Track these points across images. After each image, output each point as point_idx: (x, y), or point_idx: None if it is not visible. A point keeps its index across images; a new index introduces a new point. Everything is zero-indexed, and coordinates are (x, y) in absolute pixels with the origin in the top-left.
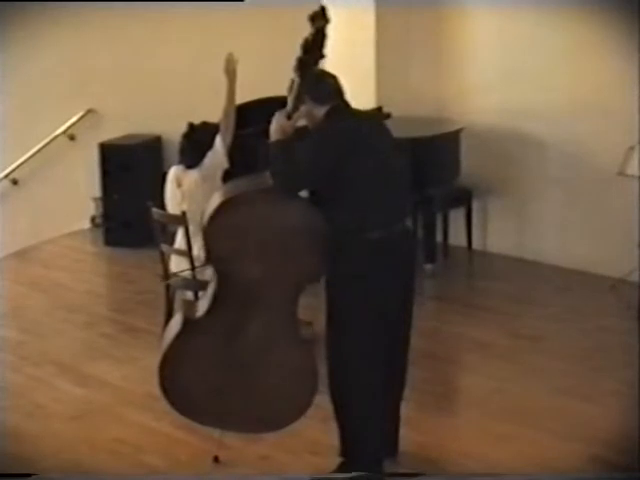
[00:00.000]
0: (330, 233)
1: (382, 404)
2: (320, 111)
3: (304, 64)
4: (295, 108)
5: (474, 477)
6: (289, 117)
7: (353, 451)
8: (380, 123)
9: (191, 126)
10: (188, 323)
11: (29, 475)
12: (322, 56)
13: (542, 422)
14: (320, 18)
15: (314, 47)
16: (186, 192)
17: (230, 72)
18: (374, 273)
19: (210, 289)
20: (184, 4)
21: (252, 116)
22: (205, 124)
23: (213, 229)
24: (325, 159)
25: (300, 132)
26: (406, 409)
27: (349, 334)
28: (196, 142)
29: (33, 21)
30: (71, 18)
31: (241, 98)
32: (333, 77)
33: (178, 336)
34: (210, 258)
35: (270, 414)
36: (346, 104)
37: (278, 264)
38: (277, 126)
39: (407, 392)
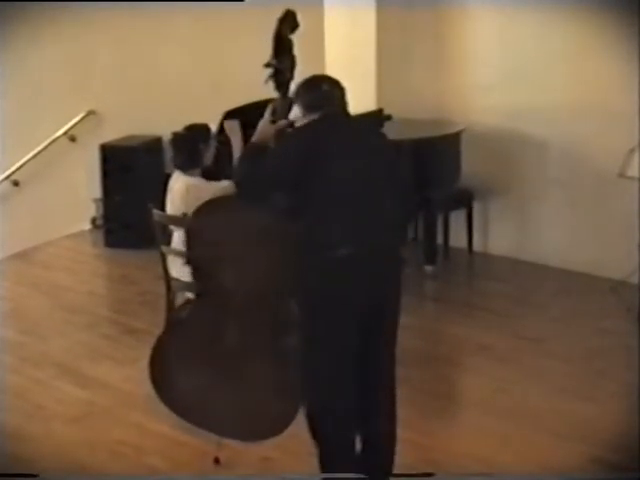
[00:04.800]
0: (294, 248)
1: (353, 428)
2: (310, 118)
3: (280, 82)
4: (280, 116)
5: (480, 477)
6: (273, 121)
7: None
8: (369, 132)
9: (175, 134)
10: (171, 323)
11: (30, 476)
12: (294, 62)
13: (543, 423)
14: (290, 21)
15: (284, 52)
16: (176, 195)
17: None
18: (340, 293)
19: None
20: (184, 4)
21: (248, 118)
22: (190, 127)
23: (191, 231)
24: (284, 168)
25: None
26: (406, 411)
27: (316, 353)
28: (182, 146)
29: (33, 21)
30: (72, 19)
31: (242, 99)
32: (328, 82)
33: (162, 335)
34: (189, 259)
35: (252, 423)
36: (342, 110)
37: (251, 271)
38: (258, 130)
39: (407, 394)
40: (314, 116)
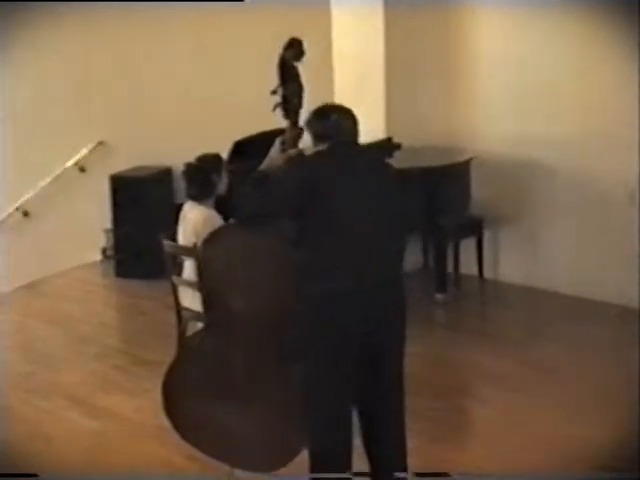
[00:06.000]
0: (292, 278)
1: (349, 461)
2: (319, 148)
3: (288, 109)
4: (290, 144)
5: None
6: (283, 150)
7: None
8: (375, 163)
9: (188, 165)
10: (182, 352)
11: (30, 476)
12: (301, 89)
13: (557, 452)
14: (295, 49)
15: (290, 80)
16: (188, 225)
17: None
18: (339, 324)
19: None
20: (186, 7)
21: (257, 148)
22: (202, 158)
23: (200, 259)
24: (284, 195)
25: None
26: (416, 440)
27: (315, 384)
28: (195, 177)
29: (43, 52)
30: (81, 49)
31: (252, 128)
32: (338, 112)
33: (173, 364)
34: (200, 287)
35: (263, 453)
36: (351, 141)
37: (260, 299)
38: (267, 158)
39: (417, 422)
40: (323, 146)
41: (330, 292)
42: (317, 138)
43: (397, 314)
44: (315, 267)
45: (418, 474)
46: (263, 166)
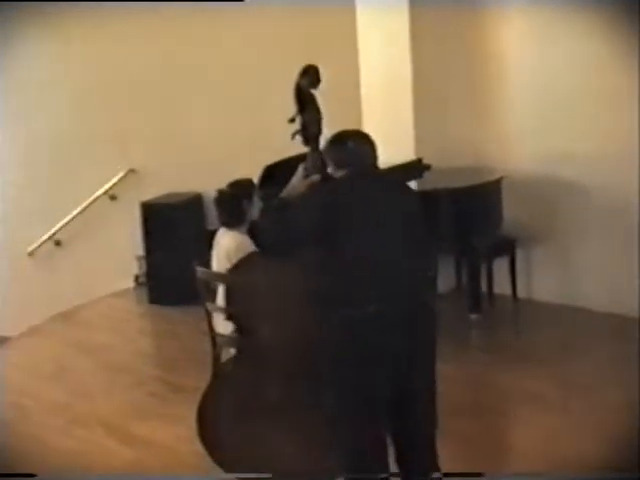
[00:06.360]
0: (323, 304)
1: None
2: (339, 174)
3: (307, 136)
4: (312, 171)
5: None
6: (306, 176)
7: None
8: (395, 187)
9: (220, 192)
10: (216, 379)
11: (30, 476)
12: (319, 115)
13: (597, 472)
14: (311, 76)
15: (307, 107)
16: (221, 251)
17: None
18: (367, 351)
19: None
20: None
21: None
22: (234, 184)
23: (229, 286)
24: (303, 223)
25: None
26: (453, 463)
27: (345, 410)
28: (227, 204)
29: (74, 84)
30: (111, 79)
31: (282, 153)
32: (355, 138)
33: (207, 391)
34: (229, 315)
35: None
36: (369, 166)
37: (289, 326)
38: (289, 185)
39: (454, 446)
40: (341, 173)
41: (354, 318)
42: (335, 165)
43: (426, 337)
44: (339, 294)
45: (448, 474)
46: (284, 193)
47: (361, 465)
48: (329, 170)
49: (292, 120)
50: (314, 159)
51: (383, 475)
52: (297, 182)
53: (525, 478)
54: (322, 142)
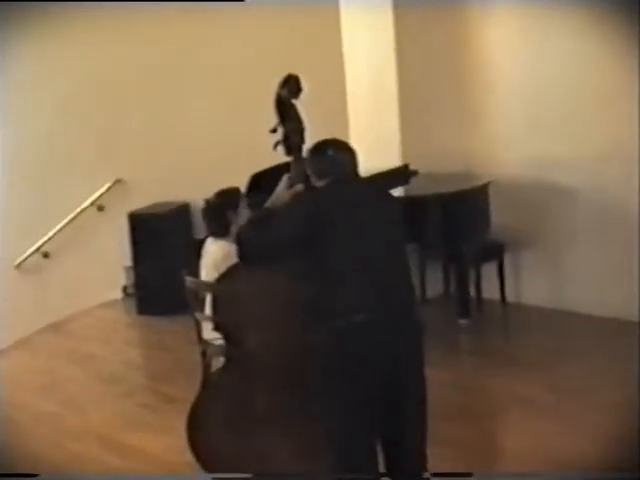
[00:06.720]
0: (309, 313)
1: None
2: (321, 184)
3: (290, 146)
4: (296, 181)
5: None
6: (291, 186)
7: None
8: (376, 195)
9: (206, 202)
10: (205, 388)
11: (30, 476)
12: (301, 125)
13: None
14: (291, 85)
15: (288, 117)
16: (209, 261)
17: None
18: (356, 360)
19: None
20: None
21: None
22: (220, 193)
23: (216, 295)
24: (285, 233)
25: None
26: (443, 466)
27: (335, 418)
28: (213, 214)
29: (59, 92)
30: (90, 91)
31: (268, 162)
32: (334, 147)
33: (197, 400)
34: (217, 324)
35: None
36: (349, 174)
37: (276, 335)
38: (274, 195)
39: (446, 450)
40: (322, 182)
41: (340, 328)
42: (316, 175)
43: (414, 340)
44: (324, 304)
45: (438, 474)
46: (268, 203)
47: (351, 472)
48: (311, 180)
49: (274, 130)
50: (298, 169)
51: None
52: (281, 192)
53: (513, 478)
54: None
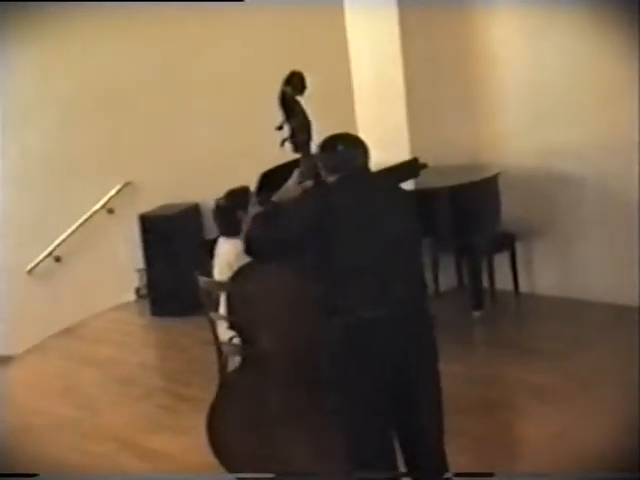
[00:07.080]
0: (320, 310)
1: None
2: (331, 179)
3: (296, 143)
4: (305, 177)
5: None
6: (300, 182)
7: None
8: (387, 190)
9: (216, 203)
10: (223, 387)
11: (30, 475)
12: (307, 122)
13: (606, 465)
14: (296, 82)
15: (293, 114)
16: (223, 260)
17: None
18: (365, 357)
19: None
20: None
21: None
22: (230, 194)
23: (230, 294)
24: (293, 229)
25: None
26: (462, 459)
27: (349, 415)
28: (223, 214)
29: (67, 100)
30: (99, 93)
31: (278, 160)
32: (344, 142)
33: (215, 400)
34: (231, 324)
35: None
36: (360, 169)
37: (290, 334)
38: (282, 190)
39: (460, 440)
40: (333, 177)
41: (351, 325)
42: (327, 170)
43: (426, 335)
44: (335, 300)
45: (459, 474)
46: (276, 197)
47: (366, 467)
48: (322, 175)
49: (280, 128)
50: (307, 165)
51: (391, 475)
52: (291, 186)
53: (533, 478)
54: (314, 147)
